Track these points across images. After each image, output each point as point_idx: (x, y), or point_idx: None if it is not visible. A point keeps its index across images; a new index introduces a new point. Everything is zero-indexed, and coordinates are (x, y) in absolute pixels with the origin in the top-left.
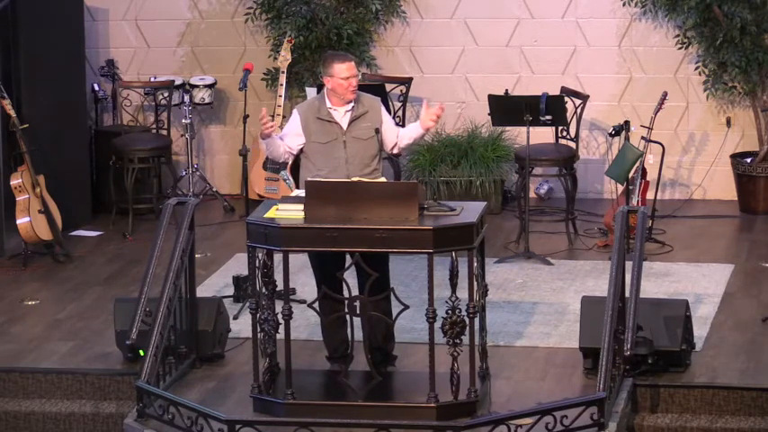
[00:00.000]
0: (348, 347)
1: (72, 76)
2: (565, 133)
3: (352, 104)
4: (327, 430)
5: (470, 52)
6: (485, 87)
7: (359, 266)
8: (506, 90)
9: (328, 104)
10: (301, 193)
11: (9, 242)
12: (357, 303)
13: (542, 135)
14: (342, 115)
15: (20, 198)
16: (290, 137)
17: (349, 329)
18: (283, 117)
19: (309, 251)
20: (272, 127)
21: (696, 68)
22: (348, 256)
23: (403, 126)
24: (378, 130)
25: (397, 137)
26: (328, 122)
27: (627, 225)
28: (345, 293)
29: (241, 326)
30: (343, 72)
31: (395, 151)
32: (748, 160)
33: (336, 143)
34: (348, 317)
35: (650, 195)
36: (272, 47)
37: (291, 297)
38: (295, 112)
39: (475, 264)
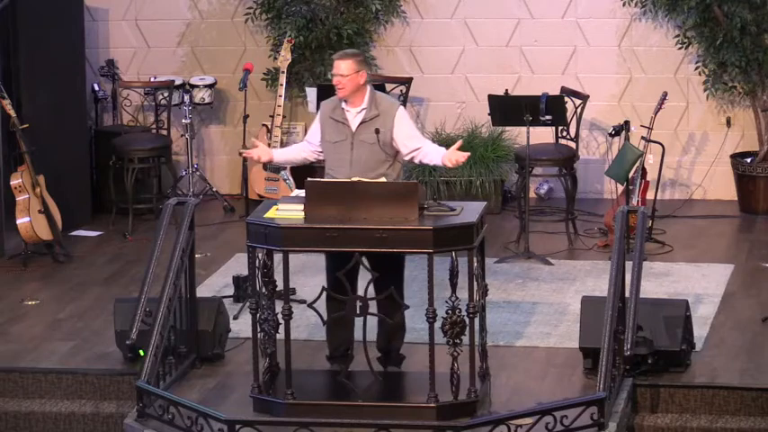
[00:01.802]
0: (349, 347)
1: (72, 76)
2: (565, 133)
3: (364, 106)
4: (327, 430)
5: (470, 52)
6: (485, 87)
7: (365, 267)
8: (506, 90)
9: (343, 104)
10: (301, 193)
11: (9, 242)
12: (359, 304)
13: (542, 135)
14: (353, 116)
15: (20, 198)
16: (315, 133)
17: (356, 329)
18: (283, 117)
19: (324, 253)
20: (255, 155)
21: (696, 68)
22: (363, 259)
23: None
24: (378, 131)
25: (416, 150)
26: (341, 123)
27: (627, 225)
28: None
29: (241, 326)
30: (333, 68)
31: (415, 162)
32: (748, 160)
33: (344, 144)
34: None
35: (650, 195)
36: (272, 47)
37: (291, 297)
38: (321, 106)
39: (475, 264)
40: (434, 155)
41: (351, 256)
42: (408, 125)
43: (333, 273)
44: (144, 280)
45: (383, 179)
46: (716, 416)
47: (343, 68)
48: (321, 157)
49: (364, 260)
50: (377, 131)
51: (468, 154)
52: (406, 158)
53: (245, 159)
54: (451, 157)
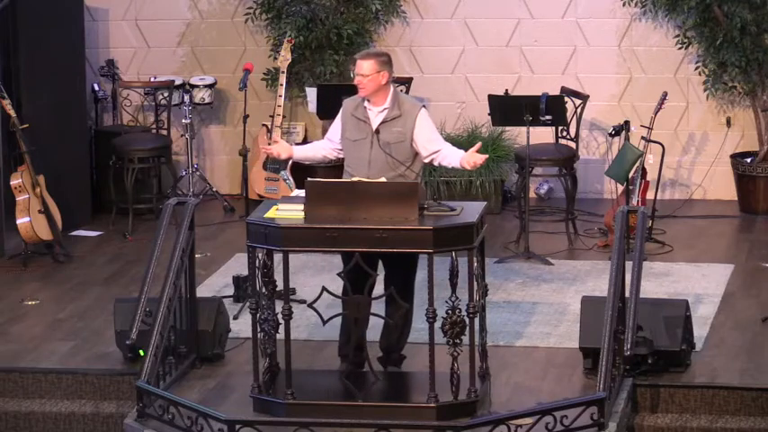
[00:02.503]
0: (362, 347)
1: (72, 76)
2: (565, 133)
3: (386, 106)
4: (327, 430)
5: (470, 52)
6: (485, 87)
7: (363, 266)
8: (506, 90)
9: (365, 103)
10: (301, 193)
11: (9, 242)
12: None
13: (542, 135)
14: (375, 116)
15: (20, 198)
16: (335, 130)
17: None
18: (283, 117)
19: (342, 253)
20: (274, 151)
21: (696, 68)
22: (379, 260)
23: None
24: (378, 131)
25: (435, 153)
26: (362, 121)
27: (627, 225)
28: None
29: (241, 326)
30: (356, 68)
31: (434, 164)
32: (748, 160)
33: (364, 142)
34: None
35: (650, 195)
36: (272, 47)
37: (291, 297)
38: (343, 104)
39: (475, 264)
40: (453, 157)
41: (374, 260)
42: (429, 128)
43: (352, 276)
44: (144, 280)
45: (383, 179)
46: (716, 416)
47: (365, 68)
48: (341, 155)
49: (380, 261)
50: (377, 131)
51: (487, 156)
52: (426, 161)
53: (245, 159)
54: (470, 159)
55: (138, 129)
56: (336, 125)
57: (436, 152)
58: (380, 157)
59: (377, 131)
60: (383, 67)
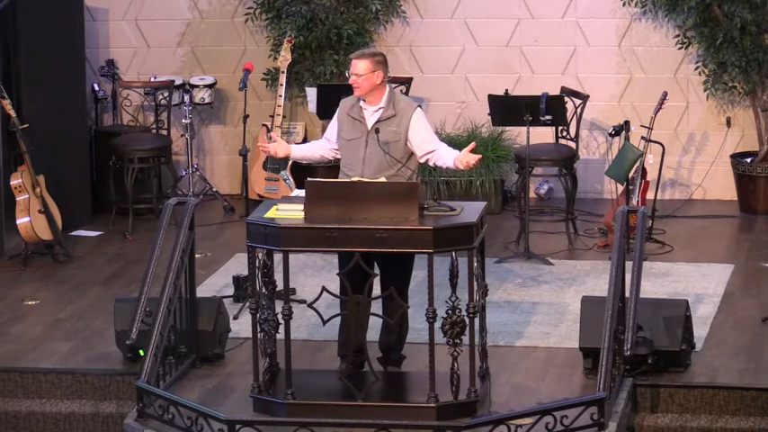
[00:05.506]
0: (361, 347)
1: (72, 76)
2: (565, 133)
3: (381, 106)
4: (327, 430)
5: (470, 52)
6: (485, 87)
7: (363, 266)
8: (506, 90)
9: (361, 102)
10: (301, 193)
11: (9, 242)
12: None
13: (542, 135)
14: (370, 115)
15: (20, 198)
16: (332, 130)
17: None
18: (283, 117)
19: (339, 253)
20: (272, 149)
21: (696, 68)
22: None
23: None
24: (378, 130)
25: (430, 153)
26: (357, 120)
27: (627, 225)
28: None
29: (241, 326)
30: (351, 68)
31: (429, 164)
32: (748, 160)
33: (359, 141)
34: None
35: (650, 195)
36: (272, 47)
37: (291, 297)
38: (340, 104)
39: (475, 264)
40: (447, 157)
41: (369, 260)
42: (424, 128)
43: (344, 273)
44: (144, 280)
45: (382, 179)
46: (716, 416)
47: (360, 68)
48: (338, 156)
49: (374, 260)
50: (377, 131)
51: (480, 156)
52: (421, 161)
53: (245, 159)
54: (463, 159)
55: (138, 129)
56: (333, 125)
57: (431, 152)
58: (375, 155)
59: (377, 130)
60: (378, 66)
